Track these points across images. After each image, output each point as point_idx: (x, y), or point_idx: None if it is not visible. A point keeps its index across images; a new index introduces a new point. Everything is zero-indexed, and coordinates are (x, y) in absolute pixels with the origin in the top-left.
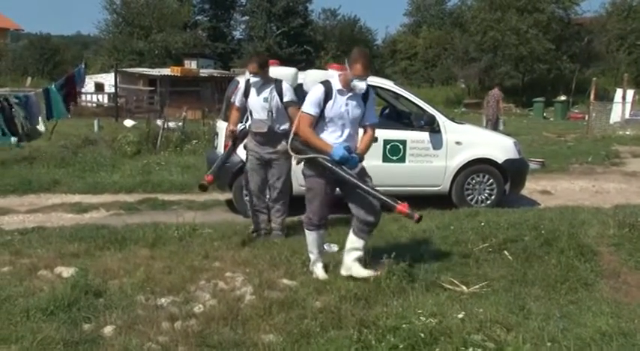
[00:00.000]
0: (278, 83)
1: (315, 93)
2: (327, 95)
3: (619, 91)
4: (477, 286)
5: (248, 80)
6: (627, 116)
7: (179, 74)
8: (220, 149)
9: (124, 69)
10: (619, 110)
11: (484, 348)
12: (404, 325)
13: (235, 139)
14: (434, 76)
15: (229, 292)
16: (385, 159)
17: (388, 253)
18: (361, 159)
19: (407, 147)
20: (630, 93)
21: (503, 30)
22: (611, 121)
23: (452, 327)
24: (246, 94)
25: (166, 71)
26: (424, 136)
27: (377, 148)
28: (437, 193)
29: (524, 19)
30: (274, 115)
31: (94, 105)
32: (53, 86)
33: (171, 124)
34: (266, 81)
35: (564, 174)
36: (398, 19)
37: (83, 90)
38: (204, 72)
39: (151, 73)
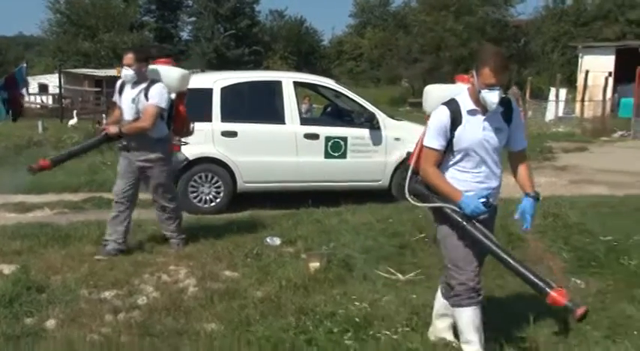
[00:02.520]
0: (149, 84)
1: (437, 119)
2: (455, 120)
3: (553, 90)
4: (411, 274)
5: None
6: (560, 114)
7: None
8: None
9: (68, 70)
10: (553, 108)
11: (415, 330)
12: (340, 311)
13: (105, 135)
14: (379, 76)
15: (172, 284)
16: (327, 155)
17: (327, 244)
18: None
19: (348, 143)
20: (563, 92)
21: (441, 31)
22: (547, 119)
23: (386, 312)
24: (120, 92)
25: (113, 72)
26: (364, 132)
27: (319, 145)
28: (378, 188)
29: (460, 21)
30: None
31: (38, 106)
32: None
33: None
34: (140, 79)
35: None
36: (343, 20)
37: (22, 91)
38: None
39: (97, 74)
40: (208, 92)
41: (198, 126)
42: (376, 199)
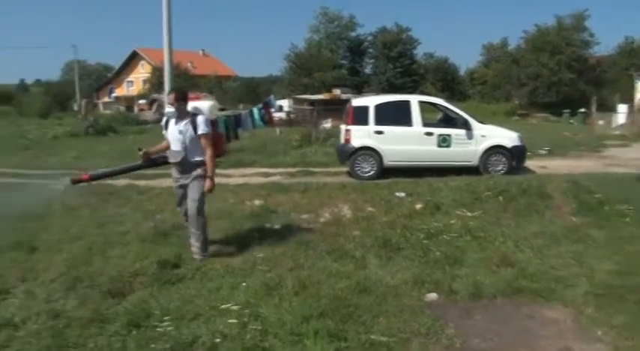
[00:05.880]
0: (194, 117)
1: None
2: None
3: (620, 106)
4: (476, 213)
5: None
6: (619, 122)
7: (328, 98)
8: (342, 142)
9: (294, 96)
10: (618, 119)
11: (464, 236)
12: (424, 227)
13: (148, 160)
14: (498, 95)
15: (338, 212)
16: (439, 145)
17: (426, 194)
18: None
19: (452, 138)
20: (624, 107)
21: (539, 65)
22: (612, 125)
23: (450, 228)
24: (166, 126)
25: (321, 96)
26: (462, 131)
27: (434, 139)
28: (470, 166)
29: (552, 58)
30: (188, 146)
31: (277, 118)
32: (255, 108)
33: (321, 129)
34: (182, 114)
35: (561, 157)
36: (474, 58)
37: (273, 110)
38: (345, 96)
39: (311, 98)
40: (367, 108)
41: (361, 127)
42: (468, 173)
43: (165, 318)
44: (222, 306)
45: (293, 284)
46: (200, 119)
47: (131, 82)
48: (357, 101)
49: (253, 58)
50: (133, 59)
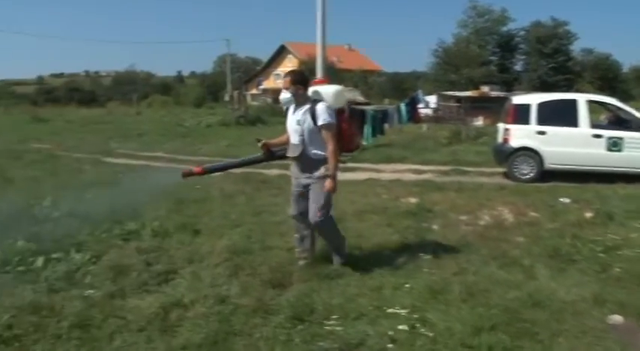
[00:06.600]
0: (313, 105)
1: None
2: None
3: None
4: None
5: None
6: None
7: (477, 95)
8: (499, 141)
9: (441, 92)
10: None
11: None
12: (598, 238)
13: (268, 152)
14: None
15: (498, 216)
16: (608, 149)
17: (595, 202)
18: None
19: (624, 142)
20: None
21: None
22: None
23: (630, 242)
24: (286, 116)
25: (469, 93)
26: (638, 135)
27: (603, 142)
28: None
29: None
30: (307, 139)
31: (423, 115)
32: (402, 104)
33: (471, 126)
34: (301, 101)
35: None
36: None
37: (420, 106)
38: (494, 94)
39: (458, 95)
40: (528, 106)
41: (521, 127)
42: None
43: (332, 316)
44: (389, 309)
45: (460, 290)
46: (320, 107)
47: (278, 74)
48: (519, 99)
49: (398, 53)
50: (280, 53)
